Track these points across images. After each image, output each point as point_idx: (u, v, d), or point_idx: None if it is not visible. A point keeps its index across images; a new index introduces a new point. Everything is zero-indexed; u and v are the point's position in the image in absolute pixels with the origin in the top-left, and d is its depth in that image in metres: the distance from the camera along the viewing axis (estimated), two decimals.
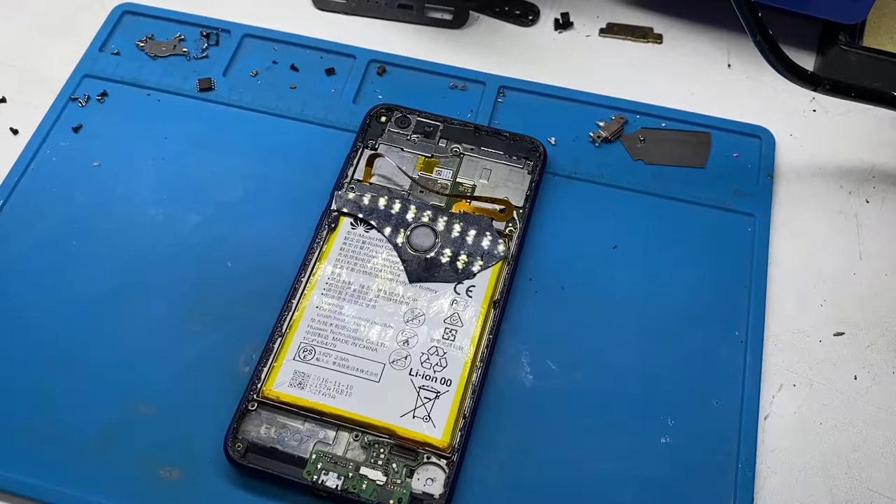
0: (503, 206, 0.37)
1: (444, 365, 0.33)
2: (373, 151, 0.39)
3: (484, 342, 0.34)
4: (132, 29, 0.45)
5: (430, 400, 0.32)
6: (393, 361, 0.33)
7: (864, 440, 0.34)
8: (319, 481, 0.31)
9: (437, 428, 0.32)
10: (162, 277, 0.36)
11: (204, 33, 0.44)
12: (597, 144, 0.41)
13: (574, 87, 0.43)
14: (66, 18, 0.46)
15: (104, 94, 0.42)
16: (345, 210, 0.37)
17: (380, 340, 0.34)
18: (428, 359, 0.33)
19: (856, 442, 0.34)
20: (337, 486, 0.31)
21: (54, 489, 0.31)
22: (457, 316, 0.34)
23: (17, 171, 0.39)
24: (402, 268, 0.35)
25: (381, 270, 0.35)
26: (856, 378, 0.35)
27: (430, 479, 0.31)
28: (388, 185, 0.38)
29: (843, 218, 0.40)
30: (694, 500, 0.32)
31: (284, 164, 0.40)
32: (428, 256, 0.36)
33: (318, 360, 0.33)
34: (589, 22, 0.47)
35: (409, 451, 0.31)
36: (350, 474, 0.31)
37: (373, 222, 0.36)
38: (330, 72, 0.43)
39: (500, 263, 0.36)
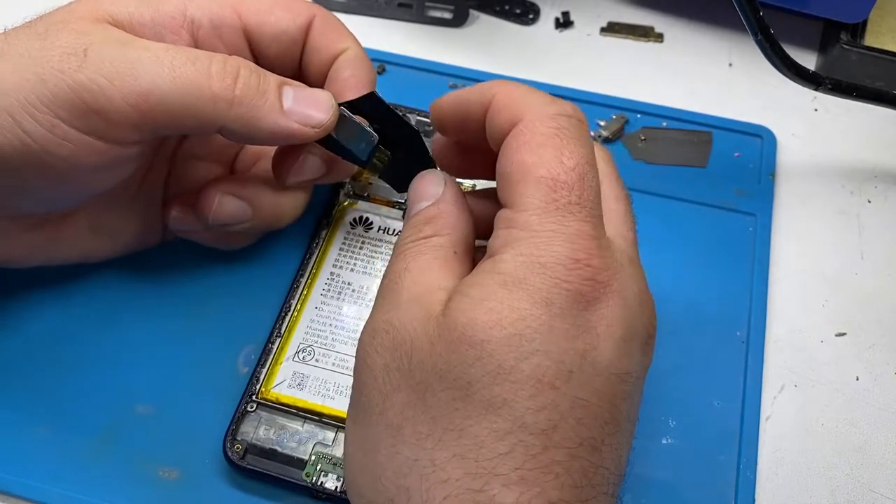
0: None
1: None
2: None
3: None
4: None
5: None
6: None
7: (866, 441, 0.34)
8: (319, 483, 0.30)
9: None
10: (162, 276, 0.36)
11: None
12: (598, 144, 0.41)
13: (575, 86, 0.43)
14: None
15: None
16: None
17: None
18: None
19: (858, 443, 0.34)
20: (336, 487, 0.30)
21: (53, 490, 0.31)
22: None
23: None
24: None
25: (380, 270, 0.35)
26: (857, 378, 0.35)
27: None
28: None
29: (845, 218, 0.40)
30: (695, 501, 0.32)
31: None
32: None
33: (317, 360, 0.33)
34: (589, 21, 0.47)
35: None
36: None
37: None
38: None
39: None
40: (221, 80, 0.27)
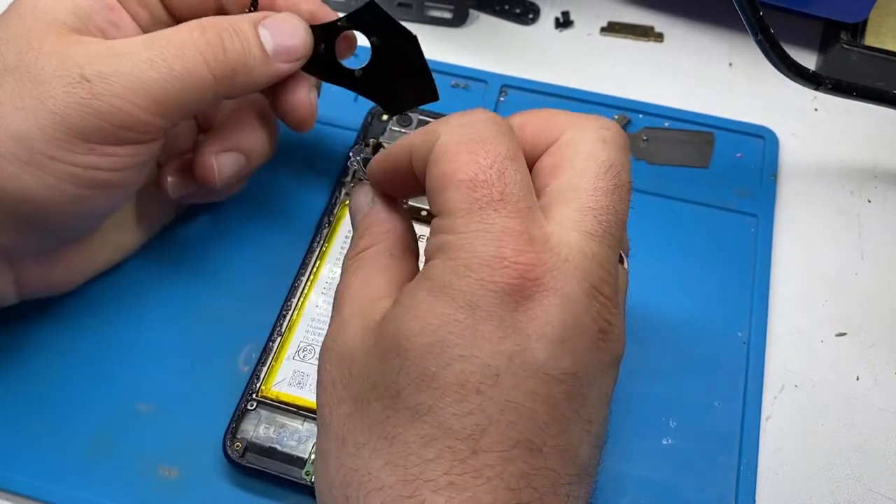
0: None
1: None
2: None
3: None
4: None
5: None
6: None
7: (867, 441, 0.34)
8: None
9: None
10: (162, 276, 0.36)
11: None
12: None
13: (575, 86, 0.43)
14: None
15: None
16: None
17: None
18: None
19: (858, 443, 0.34)
20: None
21: (53, 488, 0.31)
22: None
23: None
24: None
25: None
26: (858, 378, 0.35)
27: None
28: None
29: (845, 218, 0.40)
30: (695, 501, 0.32)
31: (284, 163, 0.39)
32: None
33: (317, 359, 0.33)
34: (589, 21, 0.47)
35: None
36: None
37: None
38: None
39: None
40: (214, 60, 0.28)
